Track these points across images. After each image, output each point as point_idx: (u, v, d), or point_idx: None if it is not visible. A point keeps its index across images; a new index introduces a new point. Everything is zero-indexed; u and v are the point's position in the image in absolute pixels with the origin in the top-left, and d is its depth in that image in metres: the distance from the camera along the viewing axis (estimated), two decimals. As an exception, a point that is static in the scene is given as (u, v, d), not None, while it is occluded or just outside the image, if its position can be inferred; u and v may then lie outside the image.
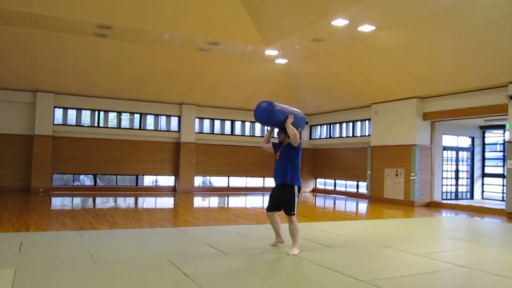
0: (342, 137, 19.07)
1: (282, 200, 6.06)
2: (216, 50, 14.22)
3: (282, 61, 15.35)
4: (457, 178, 16.43)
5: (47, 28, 12.44)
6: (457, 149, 16.46)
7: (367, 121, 17.65)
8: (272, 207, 6.21)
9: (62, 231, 7.76)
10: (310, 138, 21.01)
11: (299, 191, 6.11)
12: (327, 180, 20.41)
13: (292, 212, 5.94)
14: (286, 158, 6.11)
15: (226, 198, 16.55)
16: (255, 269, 5.24)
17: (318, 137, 20.67)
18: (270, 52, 14.24)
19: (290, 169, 6.08)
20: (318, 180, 20.97)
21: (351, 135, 18.59)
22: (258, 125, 20.25)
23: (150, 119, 18.25)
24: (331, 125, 19.79)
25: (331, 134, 19.81)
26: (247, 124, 20.01)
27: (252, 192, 19.33)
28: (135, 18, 11.92)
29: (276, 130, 6.48)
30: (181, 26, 12.47)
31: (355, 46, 13.00)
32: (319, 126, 20.63)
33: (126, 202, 13.94)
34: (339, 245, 6.79)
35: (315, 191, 20.92)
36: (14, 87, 15.63)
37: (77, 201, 13.69)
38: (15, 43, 13.21)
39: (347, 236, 7.76)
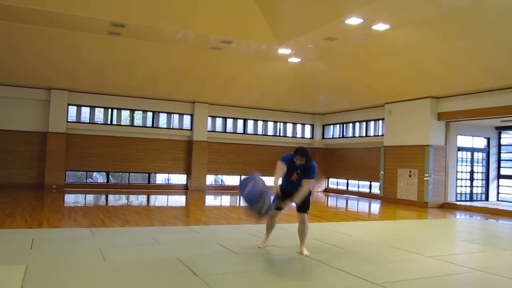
0: (355, 137, 18.92)
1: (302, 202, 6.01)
2: (229, 48, 14.19)
3: (295, 60, 15.27)
4: (472, 179, 16.20)
5: (61, 26, 12.53)
6: (472, 150, 16.23)
7: (380, 121, 17.48)
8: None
9: (74, 228, 7.80)
10: (323, 138, 20.89)
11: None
12: (340, 180, 20.28)
13: (308, 210, 6.11)
14: (302, 180, 5.98)
15: (238, 197, 16.51)
16: (265, 269, 5.19)
17: (331, 137, 20.54)
18: (283, 51, 14.17)
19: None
20: (331, 179, 20.85)
21: (364, 134, 18.44)
22: (270, 124, 20.20)
23: (162, 117, 18.30)
24: (344, 125, 19.65)
25: (344, 134, 19.67)
26: (260, 122, 19.96)
27: (263, 191, 19.26)
28: (148, 17, 11.94)
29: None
30: (195, 25, 12.46)
31: (369, 45, 12.87)
32: (331, 126, 20.50)
33: (138, 199, 13.99)
34: (351, 246, 6.72)
35: (327, 191, 20.80)
36: (28, 85, 15.79)
37: (90, 198, 13.78)
38: (29, 41, 13.33)
39: (359, 237, 7.67)
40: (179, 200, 14.72)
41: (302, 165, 5.92)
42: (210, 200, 15.15)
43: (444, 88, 13.73)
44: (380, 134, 17.49)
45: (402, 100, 15.39)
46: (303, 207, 6.04)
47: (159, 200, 14.34)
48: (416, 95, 14.76)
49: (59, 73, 15.17)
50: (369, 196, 17.86)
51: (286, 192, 5.98)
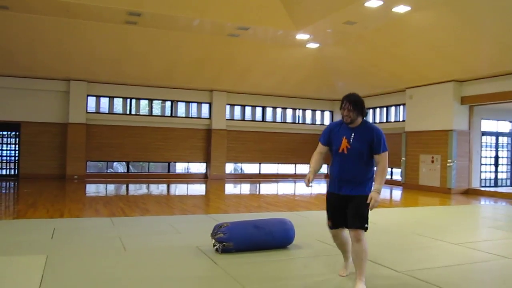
0: (376, 123, 18.61)
1: (353, 212, 3.93)
2: (246, 35, 14.03)
3: (313, 45, 15.01)
4: (496, 164, 15.82)
5: (78, 16, 12.53)
6: (497, 134, 15.83)
7: (401, 106, 17.15)
8: (339, 221, 4.10)
9: (94, 218, 7.84)
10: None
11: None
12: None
13: (366, 225, 3.95)
14: (360, 153, 3.94)
15: (258, 185, 16.47)
16: (285, 258, 5.10)
17: (351, 123, 20.26)
18: (301, 36, 13.94)
19: (364, 171, 3.97)
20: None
21: (384, 120, 18.15)
22: (289, 112, 20.04)
23: (181, 106, 18.29)
24: (364, 111, 19.33)
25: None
26: (278, 110, 19.81)
27: (283, 179, 19.19)
28: (164, 4, 11.84)
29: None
30: (211, 12, 12.32)
31: (389, 28, 12.56)
32: (351, 112, 20.21)
33: (158, 189, 14.05)
34: (373, 234, 6.53)
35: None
36: (48, 76, 15.91)
37: (110, 188, 13.90)
38: (47, 33, 13.38)
39: (381, 224, 7.53)
40: (198, 189, 14.73)
41: (357, 127, 4.00)
42: (230, 189, 15.13)
43: (468, 71, 13.34)
44: (401, 119, 17.18)
45: (424, 84, 15.04)
46: (356, 219, 3.89)
47: (179, 189, 14.39)
48: (438, 79, 14.40)
49: (77, 64, 15.23)
50: (391, 182, 17.59)
51: (341, 179, 3.99)
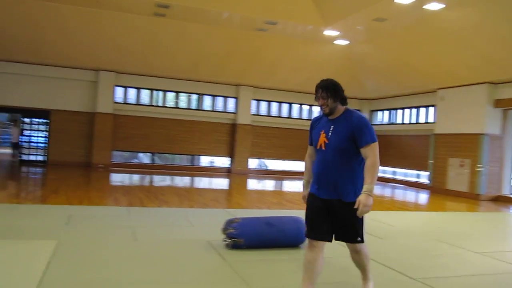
0: (404, 124, 18.16)
1: (343, 225, 3.37)
2: (274, 30, 13.86)
3: (342, 42, 14.72)
4: (530, 171, 15.17)
5: (108, 7, 12.63)
6: (532, 140, 15.16)
7: (431, 108, 16.65)
8: (321, 233, 3.36)
9: (112, 207, 7.88)
10: (371, 124, 20.20)
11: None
12: (386, 168, 19.60)
13: (359, 238, 3.41)
14: (341, 149, 3.34)
15: (281, 181, 16.32)
16: (295, 257, 4.95)
17: (379, 123, 19.85)
18: (330, 33, 13.67)
19: (349, 171, 3.36)
20: (377, 167, 20.16)
21: (413, 121, 17.67)
22: (316, 109, 19.78)
23: (207, 100, 18.28)
24: (393, 111, 18.92)
25: (393, 120, 18.95)
26: (305, 107, 19.58)
27: (307, 177, 18.96)
28: (192, -3, 11.82)
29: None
30: (240, 5, 12.22)
31: (421, 26, 12.17)
32: (380, 112, 19.82)
33: (180, 181, 14.08)
34: (392, 237, 6.37)
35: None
36: (77, 66, 16.14)
37: (133, 178, 14.02)
38: (78, 23, 13.54)
39: (402, 227, 7.29)
40: (220, 183, 14.69)
41: (337, 119, 3.43)
42: (252, 184, 15.04)
43: (504, 73, 12.78)
44: (430, 121, 16.68)
45: (456, 85, 14.52)
46: (348, 233, 3.39)
47: (201, 182, 14.39)
48: (471, 81, 13.87)
49: (106, 55, 15.38)
50: (417, 185, 17.14)
51: (321, 180, 3.40)
